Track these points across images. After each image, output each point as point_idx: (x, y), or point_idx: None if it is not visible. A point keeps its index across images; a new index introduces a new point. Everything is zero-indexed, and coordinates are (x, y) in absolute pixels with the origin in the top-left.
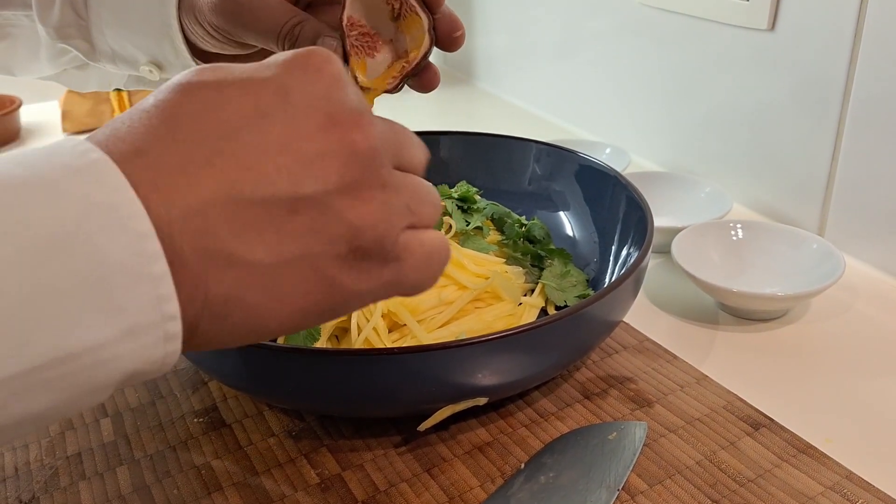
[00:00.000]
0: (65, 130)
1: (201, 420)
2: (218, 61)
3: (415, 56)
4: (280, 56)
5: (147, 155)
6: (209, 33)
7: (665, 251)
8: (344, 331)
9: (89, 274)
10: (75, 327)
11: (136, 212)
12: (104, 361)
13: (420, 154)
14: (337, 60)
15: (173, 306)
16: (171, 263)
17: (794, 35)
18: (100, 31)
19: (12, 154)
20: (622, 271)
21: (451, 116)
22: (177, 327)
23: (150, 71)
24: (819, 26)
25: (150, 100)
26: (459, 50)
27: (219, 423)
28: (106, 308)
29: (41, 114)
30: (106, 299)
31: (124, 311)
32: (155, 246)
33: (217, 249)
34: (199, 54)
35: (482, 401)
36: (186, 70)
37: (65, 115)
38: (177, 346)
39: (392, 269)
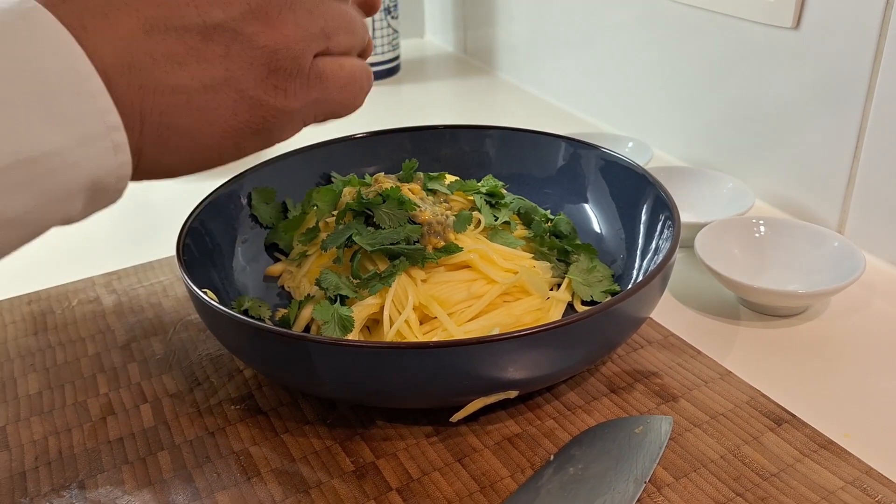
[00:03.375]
0: None
1: (238, 407)
2: None
3: None
4: None
5: (65, 3)
6: None
7: (687, 246)
8: (375, 322)
9: (36, 89)
10: (32, 134)
11: (67, 40)
12: (64, 166)
13: None
14: None
15: (114, 118)
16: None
17: (818, 33)
18: None
19: None
20: (650, 268)
21: (471, 107)
22: (122, 137)
23: None
24: (844, 24)
25: None
26: (480, 38)
27: (255, 410)
28: (56, 118)
29: None
30: (55, 111)
31: (73, 121)
32: (88, 66)
33: (144, 79)
34: None
35: (513, 394)
36: None
37: None
38: (126, 156)
39: (316, 88)
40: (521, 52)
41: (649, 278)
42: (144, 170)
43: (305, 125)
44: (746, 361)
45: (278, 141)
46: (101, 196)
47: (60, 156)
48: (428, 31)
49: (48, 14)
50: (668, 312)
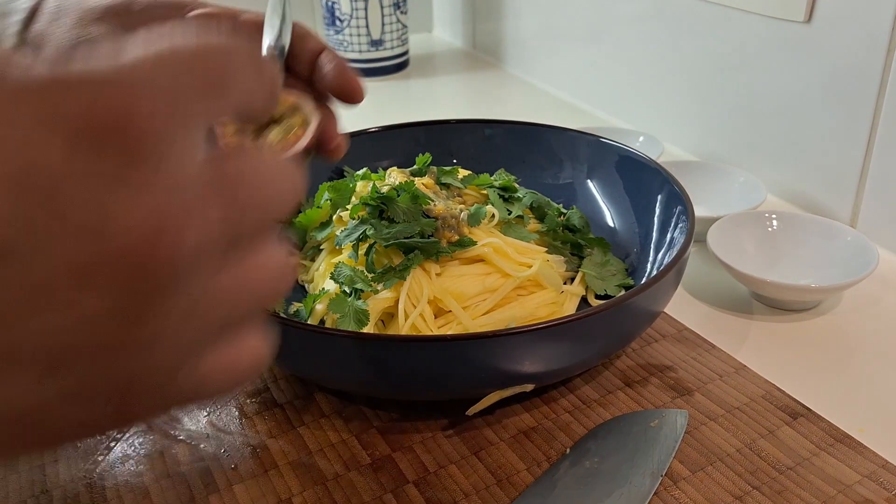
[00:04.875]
0: None
1: (254, 400)
2: None
3: (299, 134)
4: None
5: None
6: None
7: (699, 240)
8: (390, 316)
9: None
10: None
11: None
12: None
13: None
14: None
15: None
16: None
17: (830, 27)
18: None
19: None
20: (664, 262)
21: (479, 101)
22: None
23: None
24: (856, 18)
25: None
26: (489, 33)
27: (271, 403)
28: None
29: None
30: None
31: None
32: None
33: None
34: None
35: (529, 387)
36: None
37: None
38: None
39: (186, 389)
40: (530, 47)
41: (664, 272)
42: None
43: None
44: (760, 355)
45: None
46: None
47: None
48: (436, 26)
49: None
50: (680, 306)
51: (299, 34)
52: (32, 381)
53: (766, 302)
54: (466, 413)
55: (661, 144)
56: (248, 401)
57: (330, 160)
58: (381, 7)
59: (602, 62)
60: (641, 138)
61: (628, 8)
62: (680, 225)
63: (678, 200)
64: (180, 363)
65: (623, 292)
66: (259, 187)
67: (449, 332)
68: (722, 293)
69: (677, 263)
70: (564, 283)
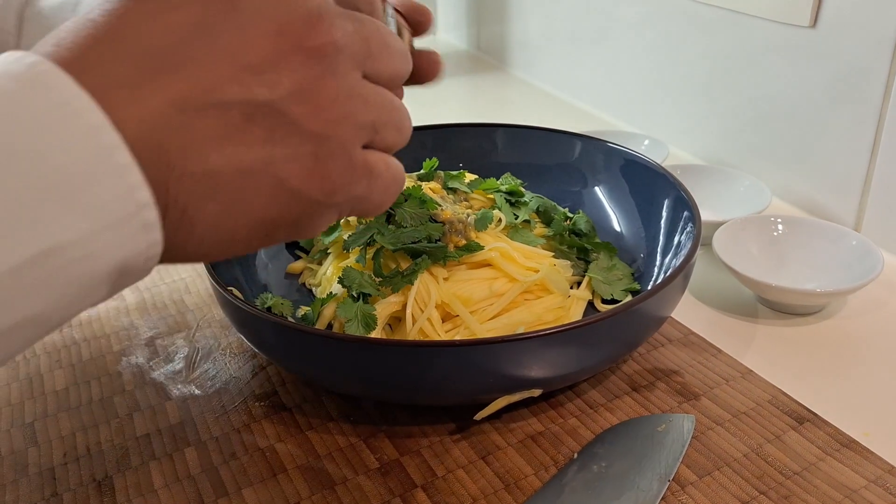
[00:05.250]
0: None
1: (262, 404)
2: None
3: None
4: None
5: (91, 66)
6: None
7: (704, 244)
8: (397, 320)
9: (50, 167)
10: (50, 222)
11: (88, 106)
12: (88, 255)
13: (399, 64)
14: None
15: (144, 194)
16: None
17: (835, 32)
18: None
19: None
20: (670, 267)
21: (484, 104)
22: (152, 215)
23: None
24: (861, 23)
25: (96, 10)
26: (493, 35)
27: (279, 406)
28: (78, 200)
29: None
30: (76, 192)
31: (98, 202)
32: (114, 138)
33: (174, 160)
34: None
35: (536, 392)
36: None
37: None
38: (157, 235)
39: (361, 184)
40: (534, 49)
41: (671, 278)
42: (170, 255)
43: (338, 220)
44: (766, 360)
45: (310, 235)
46: (126, 279)
47: (84, 244)
48: (441, 28)
49: (64, 76)
50: (686, 310)
51: None
52: (259, 139)
53: (771, 306)
54: (474, 418)
55: (667, 148)
56: (256, 404)
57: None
58: (384, 8)
59: (607, 65)
60: (647, 142)
61: (633, 10)
62: (686, 230)
63: (684, 205)
64: (353, 138)
65: (629, 297)
66: (381, 36)
67: (457, 337)
68: (727, 297)
69: (684, 269)
70: (571, 288)
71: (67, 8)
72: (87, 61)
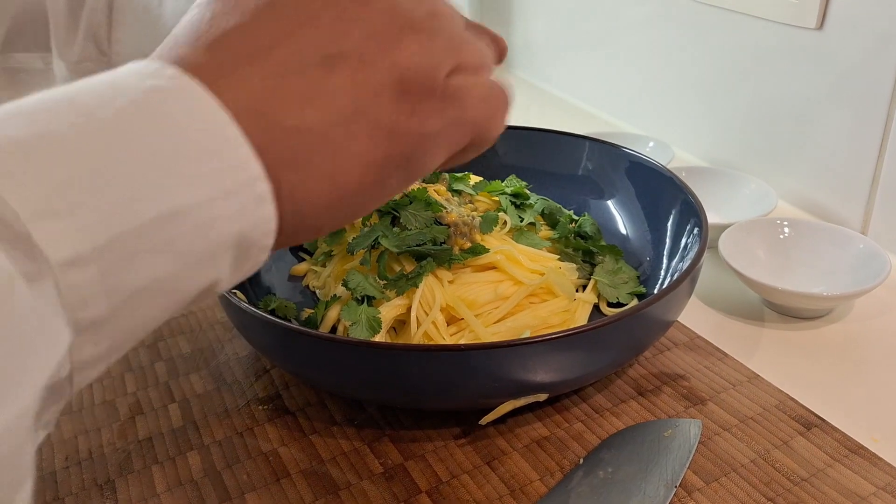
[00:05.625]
0: None
1: (266, 407)
2: None
3: None
4: None
5: (186, 61)
6: None
7: (710, 246)
8: (401, 323)
9: (172, 142)
10: (172, 187)
11: (196, 90)
12: (209, 221)
13: (461, 21)
14: None
15: (255, 167)
16: None
17: (842, 34)
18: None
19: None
20: (677, 270)
21: None
22: (265, 187)
23: None
24: (868, 25)
25: (175, 29)
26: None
27: (282, 410)
28: (195, 171)
29: None
30: (193, 163)
31: (213, 172)
32: (223, 116)
33: (274, 125)
34: None
35: (542, 397)
36: None
37: None
38: (270, 209)
39: (453, 106)
40: (539, 50)
41: (678, 282)
42: (288, 226)
43: (449, 154)
44: (773, 364)
45: (423, 173)
46: (246, 255)
47: (204, 209)
48: None
49: (175, 70)
50: (691, 313)
51: None
52: (343, 86)
53: (777, 309)
54: (479, 422)
55: (672, 150)
56: (259, 407)
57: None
58: None
59: (611, 66)
60: (651, 144)
61: (638, 11)
62: (693, 233)
63: (691, 208)
64: (432, 64)
65: (635, 300)
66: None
67: (462, 341)
68: (733, 300)
69: (691, 272)
70: (576, 291)
71: None
72: (182, 58)
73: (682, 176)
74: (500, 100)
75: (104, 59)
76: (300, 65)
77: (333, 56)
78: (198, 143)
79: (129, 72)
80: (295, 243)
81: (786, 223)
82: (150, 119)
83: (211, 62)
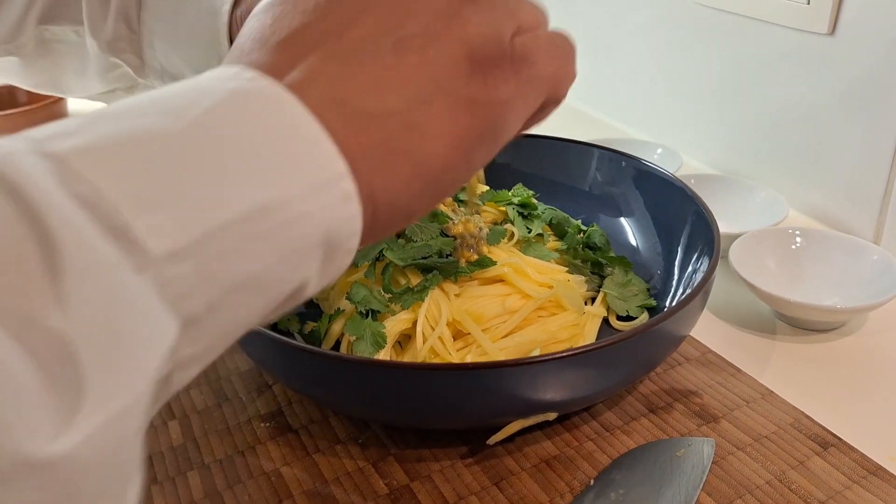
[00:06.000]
0: None
1: (267, 425)
2: None
3: None
4: None
5: (261, 62)
6: None
7: (721, 256)
8: (407, 337)
9: (259, 140)
10: (264, 182)
11: (275, 89)
12: (299, 217)
13: None
14: None
15: (340, 164)
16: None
17: (854, 39)
18: (150, 45)
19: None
20: (690, 283)
21: None
22: (350, 185)
23: None
24: (881, 31)
25: (237, 40)
26: None
27: (285, 427)
28: (283, 167)
29: (88, 102)
30: (281, 160)
31: (300, 169)
32: (305, 114)
33: (355, 113)
34: None
35: (552, 416)
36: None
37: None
38: (356, 207)
39: (524, 67)
40: None
41: (692, 296)
42: (379, 218)
43: (528, 114)
44: (786, 379)
45: (505, 140)
46: (333, 255)
47: (294, 204)
48: None
49: (253, 72)
50: (701, 325)
51: None
52: (416, 63)
53: (789, 321)
54: (487, 442)
55: (681, 157)
56: (261, 425)
57: None
58: None
59: (618, 70)
60: (659, 150)
61: (645, 17)
62: (704, 245)
63: (703, 220)
64: (497, 29)
65: (645, 313)
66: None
67: (468, 356)
68: (743, 311)
69: (704, 286)
70: (585, 304)
71: None
72: (256, 61)
73: (691, 184)
74: (566, 49)
75: (134, 37)
76: (373, 49)
77: (403, 37)
78: (282, 141)
79: (210, 77)
80: (387, 235)
81: (797, 233)
82: (235, 118)
83: (284, 60)
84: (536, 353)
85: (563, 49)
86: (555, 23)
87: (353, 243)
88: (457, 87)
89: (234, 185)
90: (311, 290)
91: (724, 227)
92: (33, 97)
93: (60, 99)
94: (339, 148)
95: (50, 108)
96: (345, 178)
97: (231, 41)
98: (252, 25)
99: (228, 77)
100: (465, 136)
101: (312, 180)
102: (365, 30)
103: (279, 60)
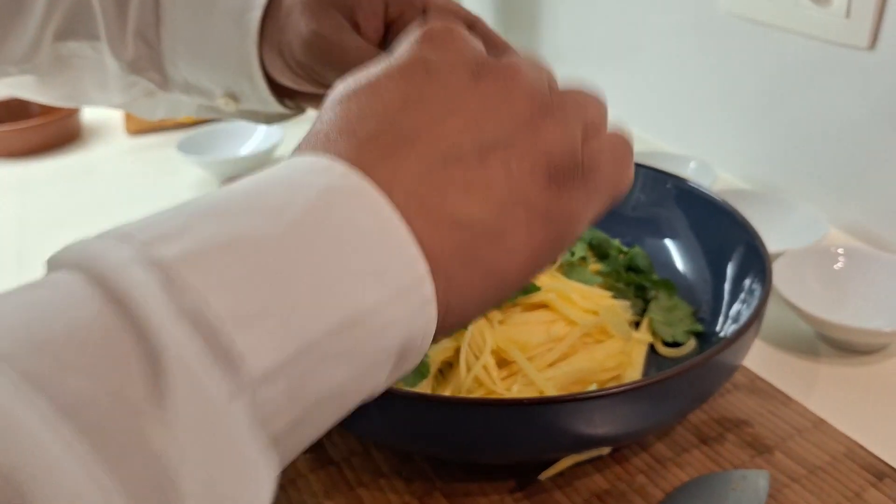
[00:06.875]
0: (128, 130)
1: (308, 456)
2: (295, 98)
3: None
4: (405, 41)
5: (348, 158)
6: (291, 69)
7: None
8: (449, 365)
9: (348, 243)
10: (354, 291)
11: (366, 188)
12: (383, 326)
13: (551, 69)
14: (455, 25)
15: (422, 266)
16: None
17: (895, 53)
18: (173, 63)
19: (248, 177)
20: (738, 309)
21: None
22: (430, 289)
23: (226, 103)
24: None
25: (318, 124)
26: (523, 45)
27: (326, 460)
28: (371, 272)
29: (103, 113)
30: (369, 264)
31: (387, 273)
32: (392, 215)
33: (440, 218)
34: (274, 88)
35: (606, 450)
36: (332, 90)
37: (128, 116)
38: (433, 311)
39: (591, 178)
40: (567, 60)
41: (748, 324)
42: (448, 321)
43: (594, 221)
44: (835, 406)
45: (570, 246)
46: (405, 360)
47: (380, 314)
48: None
49: (344, 167)
50: None
51: (483, 29)
52: (500, 174)
53: (832, 343)
54: (538, 477)
55: (714, 171)
56: (302, 456)
57: None
58: None
59: (645, 79)
60: (693, 164)
61: (676, 28)
62: (755, 270)
63: (752, 247)
64: (573, 139)
65: (692, 338)
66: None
67: (514, 386)
68: (785, 332)
69: (759, 313)
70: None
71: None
72: (342, 155)
73: (732, 201)
74: (626, 151)
75: (155, 54)
76: (458, 153)
77: (487, 145)
78: (372, 243)
79: (301, 168)
80: (447, 335)
81: (840, 252)
82: (327, 220)
83: (373, 155)
84: (593, 387)
85: (623, 152)
86: (579, 27)
87: (426, 346)
88: (535, 200)
89: (329, 293)
90: (375, 395)
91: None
92: (46, 109)
93: (74, 111)
94: (422, 251)
95: (64, 122)
96: (426, 282)
97: (261, 62)
98: (337, 112)
99: (320, 171)
100: (539, 248)
101: (398, 285)
102: (453, 132)
103: (368, 155)
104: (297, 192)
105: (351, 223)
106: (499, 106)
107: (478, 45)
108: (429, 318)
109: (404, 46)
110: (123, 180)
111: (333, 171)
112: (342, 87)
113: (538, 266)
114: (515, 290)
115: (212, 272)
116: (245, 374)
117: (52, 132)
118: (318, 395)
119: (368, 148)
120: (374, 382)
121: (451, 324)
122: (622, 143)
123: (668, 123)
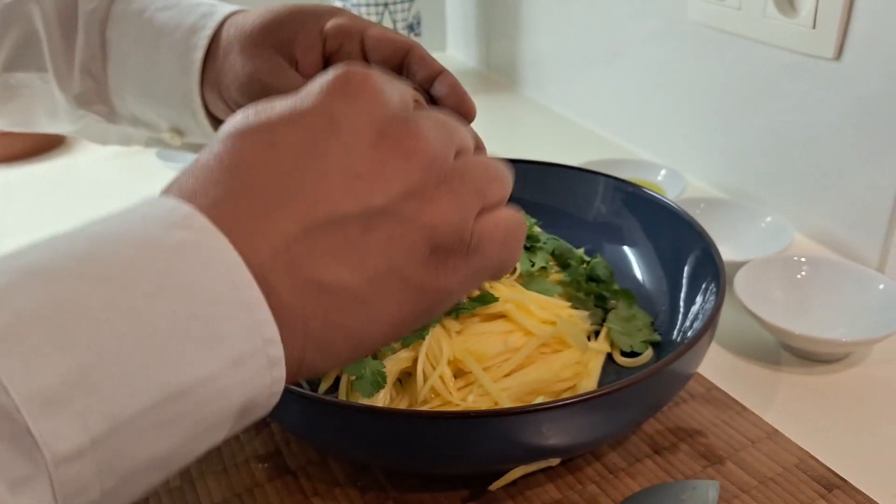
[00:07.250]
0: None
1: (265, 465)
2: None
3: None
4: (318, 82)
5: (220, 207)
6: (232, 109)
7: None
8: (407, 375)
9: (188, 308)
10: (183, 362)
11: (224, 246)
12: (216, 395)
13: (471, 134)
14: (373, 75)
15: (272, 330)
16: (267, 300)
17: (860, 64)
18: (120, 98)
19: (107, 216)
20: (694, 318)
21: (493, 125)
22: (278, 351)
23: (171, 136)
24: (888, 55)
25: (207, 154)
26: (503, 53)
27: (283, 469)
28: (208, 340)
29: None
30: (207, 331)
31: (226, 340)
32: (246, 275)
33: (307, 281)
34: (218, 124)
35: (555, 462)
36: (232, 117)
37: None
38: (281, 372)
39: (476, 257)
40: (546, 68)
41: (700, 334)
42: (300, 375)
43: (467, 295)
44: (791, 416)
45: (437, 317)
46: (248, 416)
47: (214, 381)
48: (450, 45)
49: (204, 220)
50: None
51: (420, 55)
52: (381, 243)
53: (794, 352)
54: (489, 488)
55: (685, 179)
56: (259, 465)
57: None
58: (395, 26)
59: (619, 86)
60: (664, 172)
61: (648, 37)
62: (710, 280)
63: (709, 257)
64: (464, 216)
65: (649, 348)
66: (450, 122)
67: (470, 397)
68: (747, 341)
69: (712, 323)
70: (588, 338)
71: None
72: (212, 202)
73: (700, 208)
74: (518, 236)
75: (102, 89)
76: (341, 218)
77: (373, 212)
78: (214, 308)
79: (156, 219)
80: (298, 382)
81: (804, 261)
82: (167, 285)
83: (246, 209)
84: (540, 399)
85: (515, 234)
86: (557, 36)
87: (272, 403)
88: (411, 274)
89: (154, 368)
90: (222, 442)
91: (729, 252)
92: None
93: None
94: (273, 313)
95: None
96: (274, 343)
97: (203, 100)
98: (228, 148)
99: (176, 223)
100: (405, 318)
101: (237, 352)
102: (341, 195)
103: (241, 208)
104: (142, 250)
105: (196, 286)
106: (395, 173)
107: (394, 94)
108: (276, 377)
109: (315, 89)
110: (104, 187)
111: (191, 224)
112: (241, 119)
113: (401, 333)
114: (374, 352)
115: (16, 353)
116: (40, 458)
117: (35, 139)
118: (137, 464)
119: (245, 202)
120: (210, 442)
121: (303, 376)
122: (515, 225)
123: (640, 131)
